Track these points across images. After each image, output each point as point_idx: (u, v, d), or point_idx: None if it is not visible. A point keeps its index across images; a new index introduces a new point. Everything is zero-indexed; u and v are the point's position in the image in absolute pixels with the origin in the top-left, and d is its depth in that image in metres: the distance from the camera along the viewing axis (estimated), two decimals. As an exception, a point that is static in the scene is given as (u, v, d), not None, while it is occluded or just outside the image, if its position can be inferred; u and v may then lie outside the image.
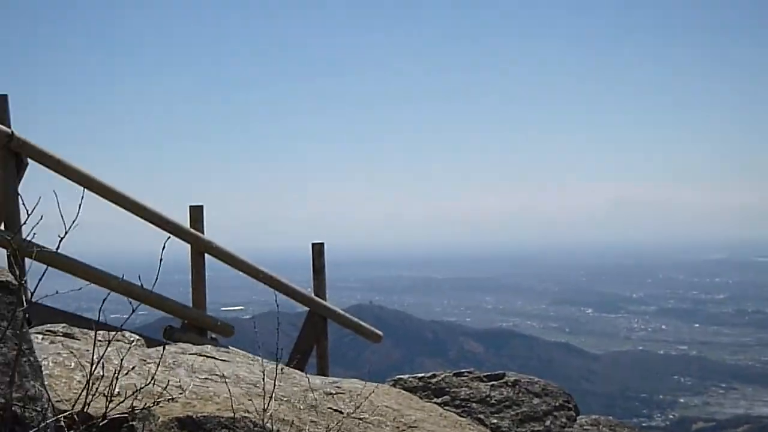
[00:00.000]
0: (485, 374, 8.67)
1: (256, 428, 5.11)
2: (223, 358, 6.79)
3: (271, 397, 5.30)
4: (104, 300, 4.59)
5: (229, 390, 5.29)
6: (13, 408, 4.00)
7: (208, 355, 6.78)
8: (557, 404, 8.45)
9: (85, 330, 6.46)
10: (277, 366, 5.53)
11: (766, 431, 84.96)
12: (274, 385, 5.43)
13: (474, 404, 8.12)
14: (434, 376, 8.50)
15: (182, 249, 10.29)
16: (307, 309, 11.70)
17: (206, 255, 10.47)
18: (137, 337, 6.78)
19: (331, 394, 6.42)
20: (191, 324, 10.23)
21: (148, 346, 6.79)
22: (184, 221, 10.30)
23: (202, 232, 10.36)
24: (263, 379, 5.30)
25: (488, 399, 8.20)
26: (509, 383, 8.50)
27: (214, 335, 10.41)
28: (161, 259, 4.62)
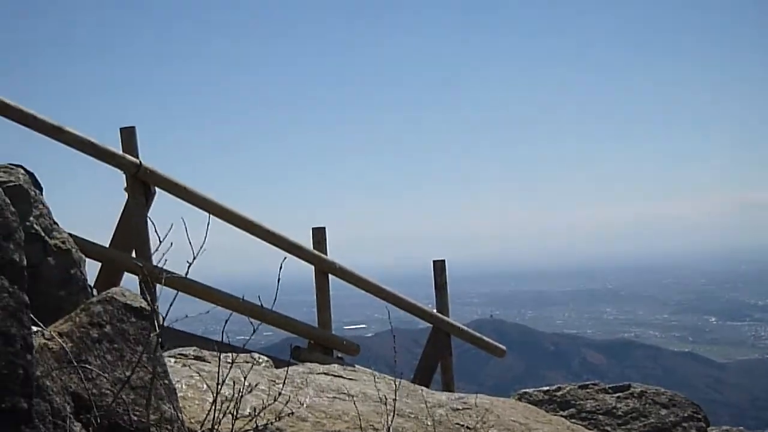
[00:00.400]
0: (610, 386, 8.54)
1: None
2: (350, 377, 6.82)
3: (396, 414, 5.29)
4: (226, 321, 4.67)
5: (356, 408, 5.31)
6: (150, 429, 4.09)
7: (336, 374, 6.81)
8: (686, 415, 8.26)
9: (215, 353, 6.57)
10: (399, 383, 5.53)
11: None
12: (396, 401, 5.42)
13: (600, 416, 8.00)
14: (559, 389, 8.41)
15: (304, 269, 10.39)
16: (430, 325, 11.68)
17: (330, 275, 10.54)
18: (266, 358, 6.87)
19: (457, 409, 6.38)
20: (317, 343, 10.31)
21: (276, 367, 6.86)
22: (307, 242, 10.41)
23: (326, 253, 10.45)
24: (392, 396, 5.30)
25: (615, 411, 8.08)
26: (635, 394, 8.35)
27: (340, 354, 10.47)
28: (279, 279, 4.69)
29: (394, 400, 5.40)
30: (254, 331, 4.69)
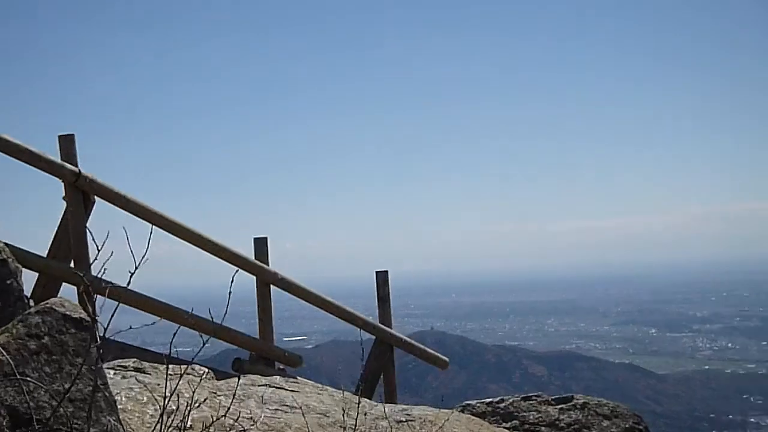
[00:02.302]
0: (553, 397, 8.59)
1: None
2: (292, 389, 6.80)
3: (339, 426, 5.28)
4: (174, 334, 4.63)
5: (304, 420, 5.29)
6: (90, 443, 4.03)
7: (278, 386, 6.79)
8: (627, 426, 8.34)
9: (155, 364, 6.51)
10: (341, 395, 5.52)
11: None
12: (344, 413, 5.42)
13: (543, 428, 8.04)
14: (502, 400, 8.45)
15: (245, 280, 10.32)
16: (372, 337, 11.67)
17: (272, 287, 10.49)
18: (206, 369, 6.82)
19: (401, 421, 6.39)
20: (259, 355, 10.26)
21: (218, 379, 6.81)
22: (249, 253, 10.35)
23: (267, 264, 10.40)
24: (335, 408, 5.29)
25: (557, 422, 8.12)
26: (578, 406, 8.41)
27: (282, 366, 10.42)
28: (230, 292, 4.65)
29: (342, 412, 5.39)
30: (204, 344, 4.65)
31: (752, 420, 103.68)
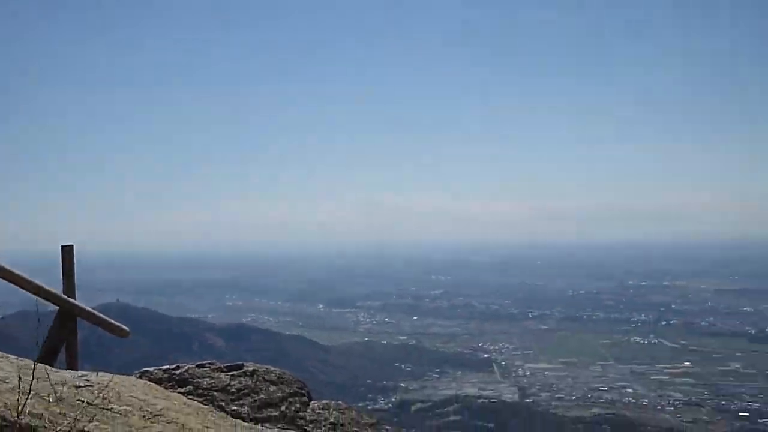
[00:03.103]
0: (225, 365, 8.65)
1: (6, 423, 4.89)
2: (-29, 357, 6.45)
3: (22, 393, 5.09)
4: None
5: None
6: None
7: (-44, 354, 6.42)
8: (292, 391, 8.54)
9: None
10: (22, 363, 5.32)
11: (473, 408, 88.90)
12: (20, 380, 5.22)
13: (215, 393, 8.08)
14: (178, 368, 8.41)
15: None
16: (57, 308, 11.25)
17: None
18: None
19: (80, 386, 6.22)
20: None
21: None
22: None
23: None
24: (15, 374, 5.08)
25: (228, 388, 8.19)
26: (248, 373, 8.52)
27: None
28: None
29: (23, 378, 5.19)
30: None
31: (402, 384, 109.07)
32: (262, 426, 7.69)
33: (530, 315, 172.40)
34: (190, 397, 7.68)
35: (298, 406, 8.38)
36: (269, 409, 8.14)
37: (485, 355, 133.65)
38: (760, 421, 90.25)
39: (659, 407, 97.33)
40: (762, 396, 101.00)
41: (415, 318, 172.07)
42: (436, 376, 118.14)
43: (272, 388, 8.42)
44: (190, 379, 8.19)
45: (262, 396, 8.26)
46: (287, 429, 7.98)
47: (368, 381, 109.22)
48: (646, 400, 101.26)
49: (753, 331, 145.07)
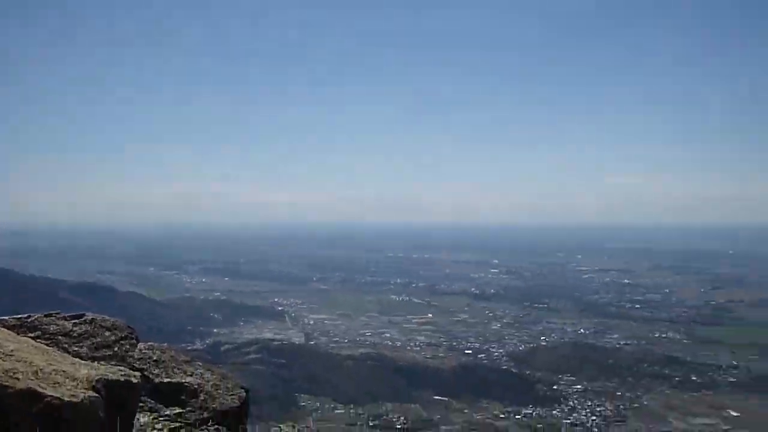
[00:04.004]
0: (69, 315, 8.34)
1: None
2: None
3: None
4: None
5: None
6: None
7: None
8: (123, 335, 8.33)
9: None
10: None
11: (270, 349, 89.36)
12: None
13: (60, 337, 7.78)
14: (30, 317, 8.02)
15: None
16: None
17: None
18: None
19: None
20: None
21: None
22: None
23: None
24: None
25: (71, 333, 7.91)
26: (88, 321, 8.25)
27: None
28: None
29: None
30: None
31: (215, 330, 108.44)
32: (98, 363, 7.46)
33: (314, 278, 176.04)
34: (38, 341, 7.34)
35: (127, 347, 8.17)
36: (104, 350, 7.92)
37: (280, 308, 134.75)
38: (478, 356, 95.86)
39: (409, 347, 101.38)
40: (481, 338, 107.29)
41: (227, 279, 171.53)
42: (242, 323, 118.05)
43: (107, 333, 8.18)
44: (39, 326, 7.83)
45: (99, 339, 8.01)
46: (118, 365, 7.78)
47: (188, 327, 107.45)
48: (400, 342, 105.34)
49: (477, 292, 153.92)
